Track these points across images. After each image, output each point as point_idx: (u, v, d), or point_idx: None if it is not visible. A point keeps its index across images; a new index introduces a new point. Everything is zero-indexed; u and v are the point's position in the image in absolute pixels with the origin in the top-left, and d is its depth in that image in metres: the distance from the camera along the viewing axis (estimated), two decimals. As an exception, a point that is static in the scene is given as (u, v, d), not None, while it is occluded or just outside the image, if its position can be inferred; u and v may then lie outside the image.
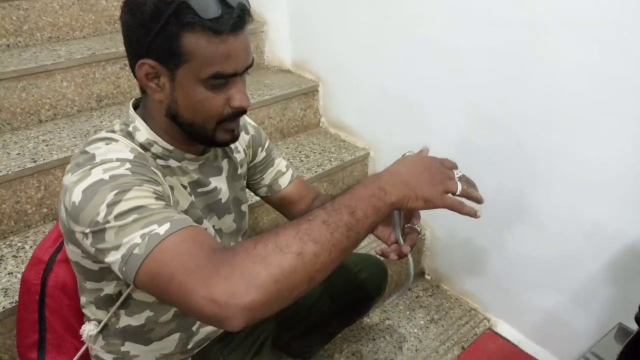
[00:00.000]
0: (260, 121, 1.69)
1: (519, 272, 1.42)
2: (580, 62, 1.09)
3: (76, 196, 0.63)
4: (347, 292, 1.17)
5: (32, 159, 1.28)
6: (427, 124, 1.49)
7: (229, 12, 0.66)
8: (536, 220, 1.32)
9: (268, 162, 1.03)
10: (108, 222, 0.60)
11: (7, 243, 1.25)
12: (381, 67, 1.56)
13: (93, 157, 0.67)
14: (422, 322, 1.53)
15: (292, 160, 1.65)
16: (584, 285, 1.28)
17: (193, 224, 0.61)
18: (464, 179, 0.74)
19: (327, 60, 1.77)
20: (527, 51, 1.16)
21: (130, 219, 0.60)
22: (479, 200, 0.76)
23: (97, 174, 0.64)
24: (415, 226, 0.83)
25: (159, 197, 0.65)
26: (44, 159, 1.28)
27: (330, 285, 1.14)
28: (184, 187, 0.81)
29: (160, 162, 0.78)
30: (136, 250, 0.58)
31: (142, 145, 0.76)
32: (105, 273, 0.76)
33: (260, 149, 1.01)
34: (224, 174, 0.91)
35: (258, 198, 1.36)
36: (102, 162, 0.66)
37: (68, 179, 0.66)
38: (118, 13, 0.73)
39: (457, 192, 0.71)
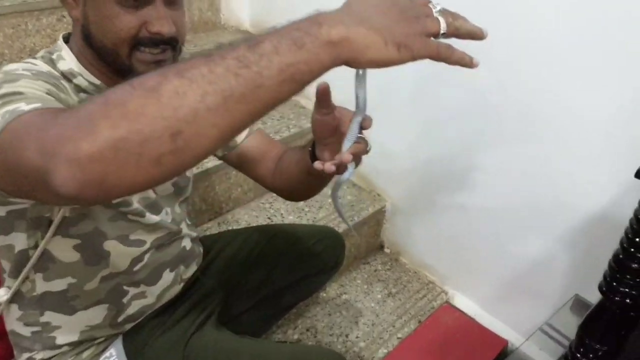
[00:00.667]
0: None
1: (477, 242, 1.40)
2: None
3: None
4: (301, 264, 1.11)
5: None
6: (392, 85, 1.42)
7: None
8: (498, 186, 1.29)
9: None
10: None
11: None
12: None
13: None
14: (379, 297, 1.49)
15: (247, 127, 1.55)
16: (541, 254, 1.27)
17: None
18: (447, 13, 0.51)
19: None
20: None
21: (4, 100, 0.51)
22: (477, 35, 0.52)
23: None
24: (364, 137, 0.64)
25: (51, 95, 0.57)
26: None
27: (284, 257, 1.08)
28: None
29: (84, 96, 0.69)
30: None
31: (63, 75, 0.67)
32: (14, 219, 0.67)
33: None
34: None
35: (216, 163, 1.31)
36: (5, 71, 0.59)
37: None
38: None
39: (442, 30, 0.49)
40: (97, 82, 0.69)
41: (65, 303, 0.75)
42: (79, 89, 0.69)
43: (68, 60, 0.68)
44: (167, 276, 0.87)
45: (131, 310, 0.82)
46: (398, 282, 1.55)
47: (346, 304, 1.45)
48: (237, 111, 0.41)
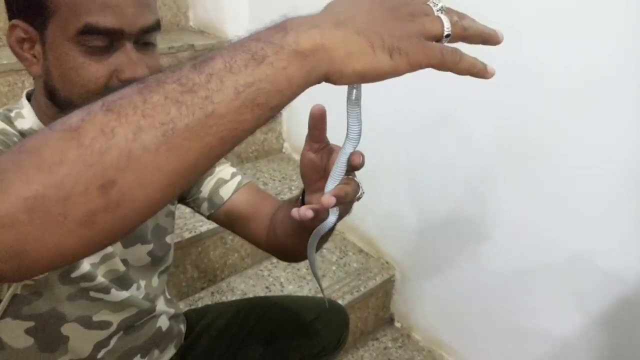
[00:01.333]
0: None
1: (497, 318, 1.25)
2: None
3: None
4: (299, 344, 0.97)
5: None
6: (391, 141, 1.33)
7: None
8: (515, 251, 1.16)
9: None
10: None
11: None
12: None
13: None
14: (389, 379, 1.32)
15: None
16: (571, 335, 1.11)
17: None
18: (451, 11, 0.40)
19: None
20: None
21: None
22: (490, 37, 0.41)
23: None
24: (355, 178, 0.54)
25: None
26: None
27: (279, 335, 0.95)
28: None
29: None
30: None
31: (21, 133, 0.60)
32: None
33: None
34: None
35: (210, 226, 1.21)
36: None
37: None
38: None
39: (446, 32, 0.39)
40: None
41: None
42: None
43: (28, 119, 0.61)
44: (138, 363, 0.75)
45: None
46: (410, 363, 1.38)
47: (351, 388, 1.28)
48: (185, 149, 0.33)
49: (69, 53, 0.55)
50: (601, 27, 0.90)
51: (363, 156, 0.50)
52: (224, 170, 0.82)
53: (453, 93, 1.13)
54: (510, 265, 1.19)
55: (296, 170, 1.57)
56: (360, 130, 0.45)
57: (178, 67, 0.34)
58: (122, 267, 0.70)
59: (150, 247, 0.75)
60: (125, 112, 0.32)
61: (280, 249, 0.78)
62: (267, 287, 1.34)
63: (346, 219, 0.59)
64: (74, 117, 0.32)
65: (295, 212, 0.53)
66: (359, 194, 0.54)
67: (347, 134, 0.47)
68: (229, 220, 0.82)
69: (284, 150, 1.72)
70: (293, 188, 1.47)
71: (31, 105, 0.63)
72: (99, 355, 0.70)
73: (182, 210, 1.27)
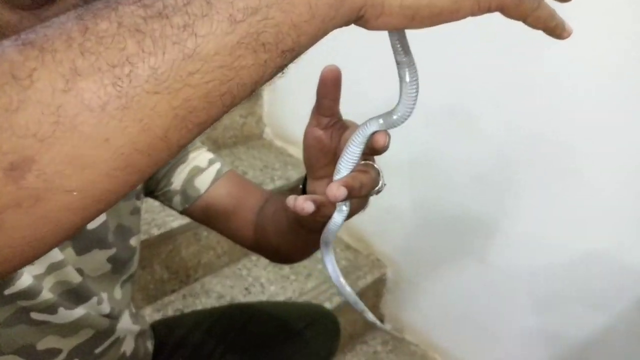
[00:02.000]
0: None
1: (507, 321, 1.15)
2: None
3: None
4: (286, 358, 0.84)
5: None
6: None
7: None
8: (521, 250, 1.06)
9: (178, 157, 0.66)
10: None
11: None
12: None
13: None
14: (381, 387, 1.21)
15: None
16: (584, 338, 1.03)
17: None
18: None
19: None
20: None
21: None
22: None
23: None
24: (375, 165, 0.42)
25: None
26: None
27: (263, 346, 0.82)
28: None
29: None
30: None
31: None
32: None
33: None
34: None
35: (182, 221, 1.07)
36: None
37: None
38: None
39: None
40: None
41: None
42: None
43: None
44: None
45: None
46: (403, 369, 1.28)
47: (340, 399, 1.17)
48: (149, 110, 0.21)
49: None
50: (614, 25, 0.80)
51: (389, 136, 0.37)
52: (200, 156, 0.67)
53: (463, 84, 1.02)
54: (516, 265, 1.09)
55: (279, 158, 1.43)
56: (417, 97, 0.32)
57: None
58: (76, 278, 0.55)
59: (111, 251, 0.60)
60: (52, 47, 0.20)
61: (270, 248, 0.65)
62: (246, 289, 1.20)
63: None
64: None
65: (291, 201, 0.40)
66: (379, 186, 0.41)
67: (400, 102, 0.32)
68: (206, 217, 0.67)
69: (264, 136, 1.57)
70: (276, 178, 1.33)
71: None
72: (45, 392, 0.55)
73: (149, 203, 1.11)
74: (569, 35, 0.30)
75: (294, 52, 0.24)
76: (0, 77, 0.20)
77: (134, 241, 0.65)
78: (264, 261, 1.28)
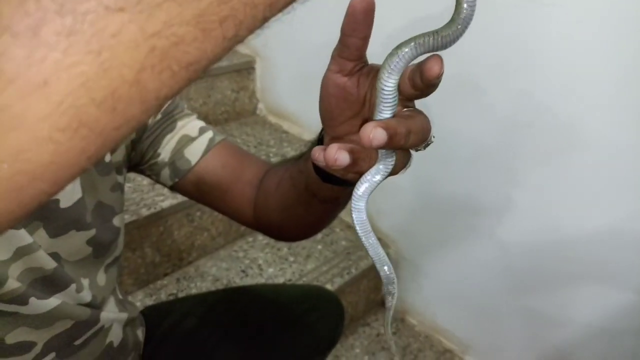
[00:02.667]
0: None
1: (508, 298, 1.10)
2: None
3: None
4: (287, 342, 0.80)
5: None
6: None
7: None
8: (529, 226, 1.01)
9: (164, 126, 0.59)
10: None
11: None
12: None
13: None
14: (384, 371, 1.17)
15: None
16: (598, 322, 0.98)
17: None
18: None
19: (267, 28, 1.39)
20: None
21: None
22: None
23: None
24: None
25: None
26: None
27: (263, 331, 0.78)
28: None
29: None
30: None
31: None
32: None
33: None
34: None
35: (174, 201, 1.01)
36: None
37: None
38: None
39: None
40: None
41: None
42: None
43: None
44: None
45: None
46: (407, 351, 1.23)
47: (343, 383, 1.13)
48: (105, 40, 0.15)
49: None
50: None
51: (442, 60, 0.30)
52: (189, 124, 0.60)
53: (471, 57, 0.95)
54: (520, 243, 1.04)
55: (274, 135, 1.36)
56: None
57: None
58: (50, 264, 0.48)
59: (91, 233, 0.54)
60: None
61: (273, 225, 0.59)
62: (243, 271, 1.15)
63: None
64: None
65: (318, 152, 0.33)
66: (430, 138, 0.35)
67: (457, 16, 0.25)
68: (199, 191, 0.61)
69: (258, 112, 1.49)
70: (271, 155, 1.26)
71: None
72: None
73: (138, 182, 1.05)
74: None
75: None
76: None
77: (117, 221, 0.59)
78: (260, 242, 1.23)
